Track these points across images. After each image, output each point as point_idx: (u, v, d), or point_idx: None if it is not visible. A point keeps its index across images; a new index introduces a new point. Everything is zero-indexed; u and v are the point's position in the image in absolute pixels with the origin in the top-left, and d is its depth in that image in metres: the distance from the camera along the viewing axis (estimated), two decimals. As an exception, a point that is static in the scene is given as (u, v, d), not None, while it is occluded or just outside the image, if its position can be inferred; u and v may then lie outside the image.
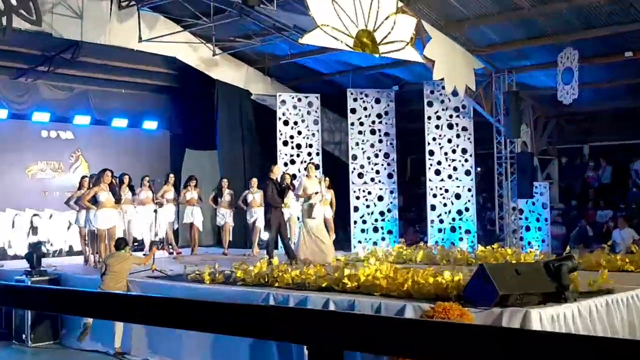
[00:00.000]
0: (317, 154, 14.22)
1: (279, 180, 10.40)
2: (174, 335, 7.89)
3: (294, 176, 11.23)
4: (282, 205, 10.48)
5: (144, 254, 12.17)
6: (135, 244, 12.73)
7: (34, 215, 12.86)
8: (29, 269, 9.45)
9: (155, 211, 12.11)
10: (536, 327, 5.62)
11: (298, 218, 11.65)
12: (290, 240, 10.86)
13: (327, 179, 10.89)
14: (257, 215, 12.55)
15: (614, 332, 6.44)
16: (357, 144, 14.07)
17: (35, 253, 9.64)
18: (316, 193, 10.17)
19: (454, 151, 13.63)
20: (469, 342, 1.21)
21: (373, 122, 14.12)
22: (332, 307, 6.89)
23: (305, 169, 11.05)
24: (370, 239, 13.80)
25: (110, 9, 12.06)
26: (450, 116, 13.68)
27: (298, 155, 14.02)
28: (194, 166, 14.93)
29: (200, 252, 12.94)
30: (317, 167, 10.77)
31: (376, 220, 14.02)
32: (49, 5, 11.13)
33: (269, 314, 1.17)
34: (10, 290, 2.44)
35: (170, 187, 12.67)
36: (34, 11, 6.71)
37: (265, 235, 13.10)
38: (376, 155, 14.12)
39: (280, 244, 10.52)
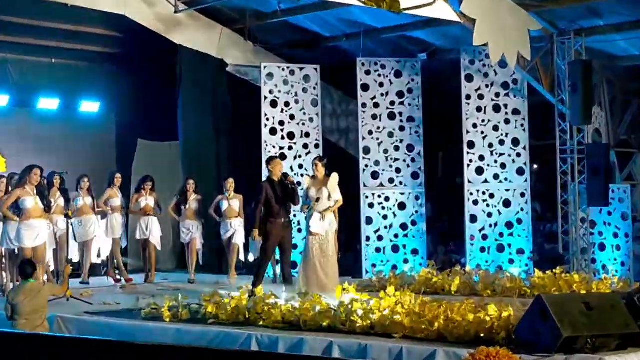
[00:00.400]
0: (317, 146, 14.21)
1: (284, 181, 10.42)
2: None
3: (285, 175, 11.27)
4: (288, 215, 10.61)
5: (82, 282, 12.23)
6: (71, 267, 12.73)
7: None
8: None
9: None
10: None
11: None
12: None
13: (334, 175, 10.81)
14: (234, 228, 12.60)
15: None
16: (370, 132, 14.08)
17: None
18: (317, 200, 10.21)
19: (501, 142, 13.63)
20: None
21: (392, 104, 14.12)
22: (336, 354, 6.89)
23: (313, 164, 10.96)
24: (388, 261, 13.80)
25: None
26: (497, 95, 13.68)
27: (290, 148, 14.03)
28: (149, 163, 14.95)
29: (158, 278, 13.01)
30: (322, 161, 10.71)
31: (396, 236, 14.01)
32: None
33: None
34: None
35: (117, 192, 12.68)
36: None
37: (251, 256, 13.19)
38: (396, 149, 14.12)
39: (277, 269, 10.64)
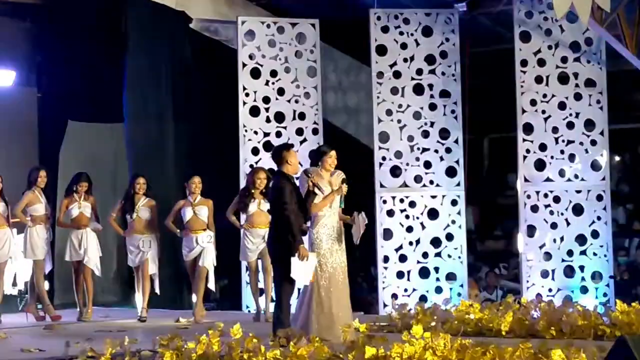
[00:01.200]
0: (315, 131, 14.24)
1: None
2: None
3: (271, 171, 11.25)
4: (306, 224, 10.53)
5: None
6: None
7: None
8: None
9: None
10: None
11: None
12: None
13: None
14: (202, 245, 12.56)
15: None
16: (388, 113, 14.11)
17: None
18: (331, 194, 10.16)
19: (570, 125, 13.66)
20: None
21: (419, 72, 14.14)
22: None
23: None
24: (414, 290, 13.83)
25: None
26: (564, 60, 13.70)
27: (279, 135, 14.05)
28: (83, 154, 14.98)
29: (97, 315, 13.04)
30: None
31: (425, 255, 14.03)
32: None
33: None
34: None
35: (39, 196, 12.68)
36: None
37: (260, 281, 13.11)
38: (425, 134, 14.16)
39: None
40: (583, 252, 13.60)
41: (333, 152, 10.35)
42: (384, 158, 14.05)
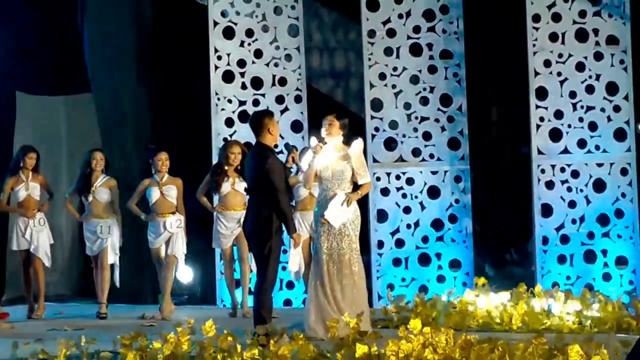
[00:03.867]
0: (298, 99, 14.22)
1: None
2: None
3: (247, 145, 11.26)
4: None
5: None
6: None
7: None
8: None
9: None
10: None
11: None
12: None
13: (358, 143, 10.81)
14: (170, 230, 12.58)
15: None
16: (382, 77, 14.11)
17: None
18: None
19: (590, 89, 13.67)
20: None
21: (416, 30, 14.13)
22: None
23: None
24: (412, 279, 13.87)
25: None
26: (582, 14, 13.70)
27: (256, 103, 14.01)
28: (37, 128, 14.96)
29: (49, 312, 13.07)
30: (341, 120, 10.64)
31: (425, 239, 14.06)
32: None
33: None
34: None
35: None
36: None
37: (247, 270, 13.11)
38: (424, 102, 14.17)
39: None
40: (605, 234, 13.65)
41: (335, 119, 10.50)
42: (377, 129, 14.05)
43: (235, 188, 12.13)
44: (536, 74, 13.73)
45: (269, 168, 9.85)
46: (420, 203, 14.04)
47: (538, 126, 13.71)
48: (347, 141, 10.49)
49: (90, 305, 13.28)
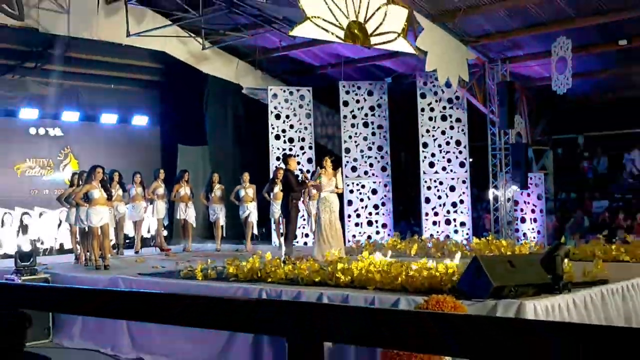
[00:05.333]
0: (310, 147, 14.20)
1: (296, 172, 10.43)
2: (166, 333, 7.89)
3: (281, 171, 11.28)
4: (301, 196, 10.62)
5: (136, 252, 12.20)
6: (127, 241, 12.72)
7: (24, 213, 12.82)
8: (19, 268, 9.41)
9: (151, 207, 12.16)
10: (530, 318, 5.62)
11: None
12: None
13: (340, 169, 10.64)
14: (249, 210, 12.53)
15: (609, 323, 6.45)
16: (350, 137, 14.05)
17: (24, 253, 9.59)
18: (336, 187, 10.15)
19: (447, 143, 13.63)
20: (461, 333, 1.19)
21: (366, 115, 14.10)
22: (325, 301, 6.86)
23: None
24: (364, 232, 13.80)
25: (98, 3, 11.98)
26: (444, 108, 13.67)
27: (290, 150, 13.97)
28: (186, 162, 14.87)
29: (193, 248, 12.87)
30: (331, 158, 10.52)
31: (370, 213, 14.02)
32: (33, 0, 11.14)
33: (246, 306, 1.16)
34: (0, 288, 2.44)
35: (161, 183, 12.60)
36: (16, 6, 6.68)
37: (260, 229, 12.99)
38: (369, 148, 14.10)
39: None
40: (455, 212, 13.64)
41: (328, 158, 10.37)
42: (347, 161, 13.99)
43: (279, 189, 12.08)
44: (422, 135, 13.68)
45: (288, 180, 9.93)
46: (368, 197, 14.03)
47: (423, 160, 13.68)
48: (334, 168, 10.41)
49: (212, 245, 13.13)
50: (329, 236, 9.93)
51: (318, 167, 10.66)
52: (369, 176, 14.09)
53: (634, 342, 0.98)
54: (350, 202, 13.92)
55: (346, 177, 13.88)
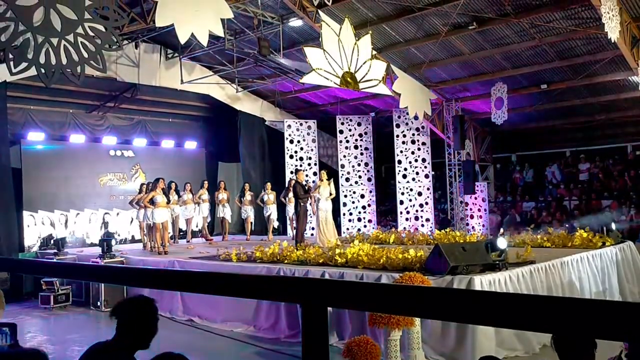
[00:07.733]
0: (315, 164, 14.18)
1: (303, 182, 10.24)
2: (209, 301, 7.86)
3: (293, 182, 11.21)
4: (308, 200, 10.38)
5: (187, 241, 12.16)
6: (181, 233, 12.70)
7: (105, 213, 12.85)
8: (102, 253, 9.43)
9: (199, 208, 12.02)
10: (478, 289, 5.60)
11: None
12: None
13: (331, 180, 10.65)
14: (271, 210, 12.51)
15: (536, 293, 6.43)
16: (344, 156, 14.04)
17: (106, 241, 9.62)
18: (331, 194, 10.04)
19: (416, 160, 13.60)
20: (426, 300, 1.20)
21: (356, 140, 14.08)
22: (327, 278, 6.84)
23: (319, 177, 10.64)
24: (355, 226, 13.76)
25: (160, 59, 12.18)
26: (413, 134, 13.65)
27: (301, 166, 13.98)
28: (224, 175, 14.85)
29: (229, 238, 12.81)
30: (325, 173, 10.43)
31: (359, 212, 13.98)
32: (113, 57, 11.32)
33: (269, 281, 1.17)
34: (88, 269, 2.45)
35: (205, 191, 12.55)
36: (100, 61, 6.75)
37: (277, 224, 12.84)
38: (359, 165, 14.08)
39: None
40: (422, 210, 13.43)
41: (324, 172, 10.16)
42: (342, 174, 13.91)
43: (292, 195, 11.95)
44: (397, 154, 13.54)
45: (296, 189, 9.80)
46: (358, 200, 13.92)
47: (398, 173, 13.48)
48: (328, 179, 10.23)
49: (244, 236, 12.87)
50: (325, 229, 9.85)
51: (317, 179, 10.57)
52: (359, 185, 14.05)
53: (554, 307, 0.99)
54: (344, 204, 13.88)
55: (342, 185, 13.87)
